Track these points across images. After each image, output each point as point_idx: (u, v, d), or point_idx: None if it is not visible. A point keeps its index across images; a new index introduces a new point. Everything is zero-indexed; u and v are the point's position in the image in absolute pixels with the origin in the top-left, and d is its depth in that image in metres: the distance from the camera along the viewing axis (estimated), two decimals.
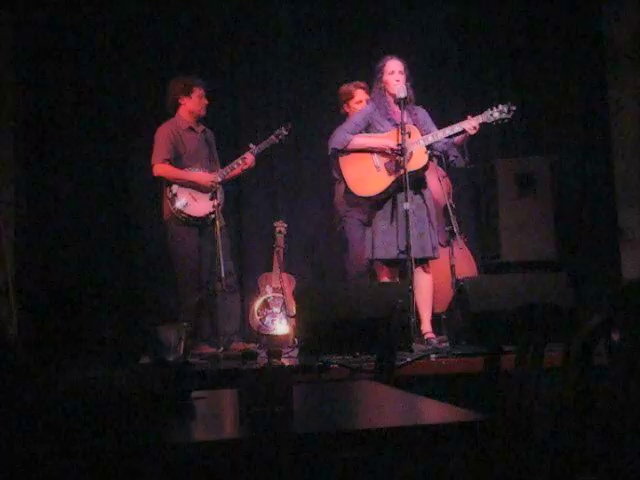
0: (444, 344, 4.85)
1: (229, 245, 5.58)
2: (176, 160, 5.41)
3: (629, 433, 1.60)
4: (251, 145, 5.57)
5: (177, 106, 5.51)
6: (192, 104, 5.48)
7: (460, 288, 4.93)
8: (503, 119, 5.05)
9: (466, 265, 5.82)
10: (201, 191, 5.34)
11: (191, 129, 5.50)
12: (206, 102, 5.53)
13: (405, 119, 4.95)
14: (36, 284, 5.45)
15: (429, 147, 5.05)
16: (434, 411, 1.92)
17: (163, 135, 5.43)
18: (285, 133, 5.62)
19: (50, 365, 4.28)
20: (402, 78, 5.03)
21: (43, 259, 6.15)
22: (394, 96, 5.02)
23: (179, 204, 5.30)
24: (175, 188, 5.34)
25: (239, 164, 5.49)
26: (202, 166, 5.44)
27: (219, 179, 5.40)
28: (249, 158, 5.49)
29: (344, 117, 5.61)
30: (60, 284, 5.37)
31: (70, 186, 6.29)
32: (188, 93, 5.47)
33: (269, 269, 6.14)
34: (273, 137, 5.60)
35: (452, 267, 5.36)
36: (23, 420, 1.70)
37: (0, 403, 1.76)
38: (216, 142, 5.70)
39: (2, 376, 1.94)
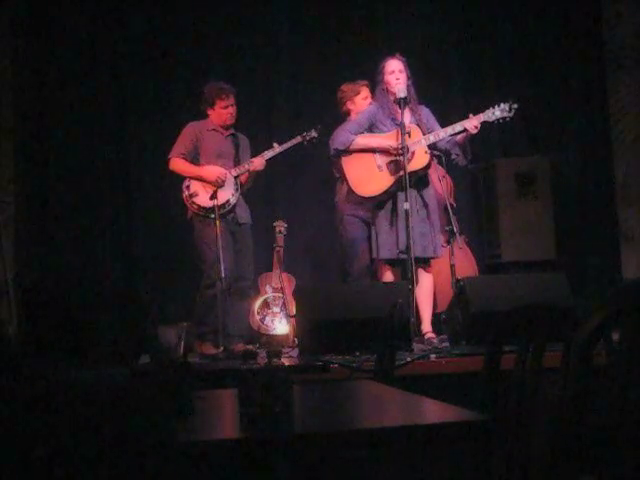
0: (444, 344, 4.85)
1: (251, 248, 5.52)
2: (196, 157, 5.42)
3: (629, 433, 1.60)
4: (275, 144, 5.52)
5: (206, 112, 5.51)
6: (215, 116, 5.46)
7: (460, 288, 4.93)
8: (504, 117, 5.01)
9: (466, 265, 5.82)
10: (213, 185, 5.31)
11: (216, 130, 5.49)
12: (231, 112, 5.44)
13: (406, 119, 4.95)
14: (36, 284, 5.44)
15: (431, 146, 5.04)
16: (434, 411, 1.92)
17: (185, 132, 5.46)
18: (315, 135, 5.53)
19: (50, 365, 4.29)
20: (402, 77, 5.01)
21: (43, 259, 6.15)
22: (395, 96, 5.01)
23: (190, 193, 5.31)
24: (188, 180, 5.37)
25: (247, 166, 5.42)
26: (224, 165, 5.40)
27: (234, 173, 5.39)
28: (256, 162, 5.43)
29: (345, 116, 5.62)
30: (60, 284, 5.36)
31: (70, 186, 6.29)
32: (212, 105, 5.44)
33: (269, 269, 6.13)
34: (299, 137, 5.54)
35: (452, 267, 5.35)
36: (22, 420, 1.70)
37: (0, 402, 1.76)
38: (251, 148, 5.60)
39: (2, 375, 1.94)
